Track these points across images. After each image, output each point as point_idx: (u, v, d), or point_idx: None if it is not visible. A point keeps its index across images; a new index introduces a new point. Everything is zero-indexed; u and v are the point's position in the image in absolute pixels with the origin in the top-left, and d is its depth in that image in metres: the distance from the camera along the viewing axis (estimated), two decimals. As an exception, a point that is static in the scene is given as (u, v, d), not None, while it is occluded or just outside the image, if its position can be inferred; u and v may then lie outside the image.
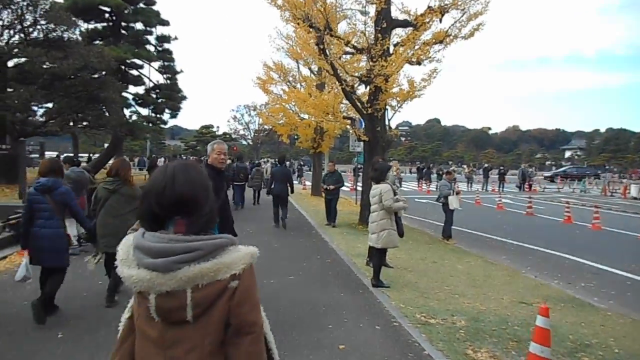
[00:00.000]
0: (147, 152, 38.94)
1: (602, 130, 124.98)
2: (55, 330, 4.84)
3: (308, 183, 28.85)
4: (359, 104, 13.13)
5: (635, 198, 26.67)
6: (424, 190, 29.67)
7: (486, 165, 34.03)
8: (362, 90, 14.63)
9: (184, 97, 23.30)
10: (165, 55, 20.15)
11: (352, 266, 8.66)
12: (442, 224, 12.18)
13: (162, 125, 33.28)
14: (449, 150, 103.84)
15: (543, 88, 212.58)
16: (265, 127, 70.30)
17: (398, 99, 13.18)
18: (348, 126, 18.70)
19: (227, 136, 66.82)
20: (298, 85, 21.61)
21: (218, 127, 64.19)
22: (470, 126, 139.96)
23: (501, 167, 33.15)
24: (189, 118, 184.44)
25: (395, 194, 7.18)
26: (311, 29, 11.59)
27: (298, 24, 11.67)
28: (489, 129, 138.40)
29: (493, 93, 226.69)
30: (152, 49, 20.32)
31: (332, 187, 13.11)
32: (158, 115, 25.56)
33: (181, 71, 22.39)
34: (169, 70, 20.87)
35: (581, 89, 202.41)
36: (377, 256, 7.40)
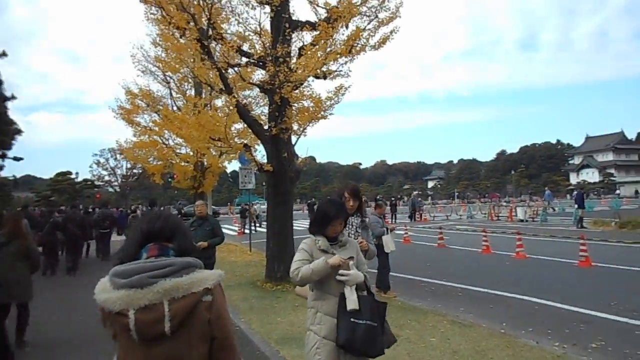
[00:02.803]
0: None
1: (455, 161, 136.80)
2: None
3: (188, 229, 24.63)
4: (257, 126, 10.08)
5: (521, 220, 26.72)
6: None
7: (378, 197, 32.78)
8: (258, 111, 11.61)
9: (18, 131, 18.01)
10: (-12, 76, 15.16)
11: (285, 365, 5.37)
12: (374, 271, 9.37)
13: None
14: (325, 185, 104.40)
15: (402, 125, 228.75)
16: (135, 171, 64.29)
17: (301, 121, 10.38)
18: (242, 156, 15.61)
19: (89, 183, 59.17)
20: (174, 108, 17.87)
21: (77, 173, 56.41)
22: (343, 162, 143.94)
23: (392, 198, 32.06)
24: (43, 166, 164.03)
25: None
26: (190, 23, 8.36)
27: (170, 17, 8.36)
28: (360, 164, 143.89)
29: (360, 130, 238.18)
30: None
31: (204, 244, 7.14)
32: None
33: (13, 97, 17.38)
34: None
35: (434, 125, 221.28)
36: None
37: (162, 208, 37.82)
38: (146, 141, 17.99)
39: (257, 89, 11.29)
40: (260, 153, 11.12)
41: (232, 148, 9.89)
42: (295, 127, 10.40)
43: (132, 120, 18.12)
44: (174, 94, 18.38)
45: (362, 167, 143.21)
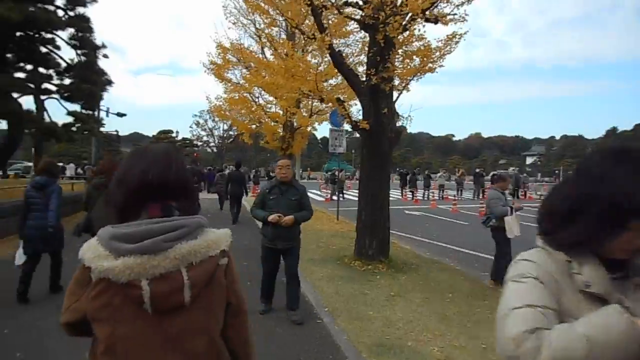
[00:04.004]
0: (92, 159, 33.03)
1: (557, 137, 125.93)
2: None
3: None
4: (352, 76, 8.39)
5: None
6: (409, 200, 25.09)
7: (477, 170, 29.82)
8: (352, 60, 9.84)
9: (109, 82, 17.61)
10: (80, 23, 14.66)
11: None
12: (459, 249, 7.65)
13: (101, 126, 27.73)
14: (416, 156, 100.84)
15: (501, 96, 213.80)
16: (231, 132, 65.83)
17: (405, 74, 8.52)
18: (333, 116, 14.07)
19: (187, 142, 61.40)
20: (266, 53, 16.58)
21: (177, 132, 58.65)
22: (435, 133, 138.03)
23: (494, 173, 28.97)
24: (149, 124, 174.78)
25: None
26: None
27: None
28: (453, 136, 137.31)
29: (455, 101, 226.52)
30: (60, 13, 14.84)
31: (287, 218, 5.10)
32: (90, 112, 20.12)
33: (103, 46, 16.56)
34: (84, 43, 15.45)
35: (536, 98, 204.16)
36: None
37: (253, 170, 37.77)
38: (236, 98, 17.08)
39: (354, 37, 9.57)
40: (356, 108, 9.41)
41: (324, 100, 8.25)
42: (396, 82, 8.60)
43: (222, 76, 17.25)
44: (265, 49, 17.11)
45: (455, 139, 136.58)
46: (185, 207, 1.40)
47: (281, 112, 16.89)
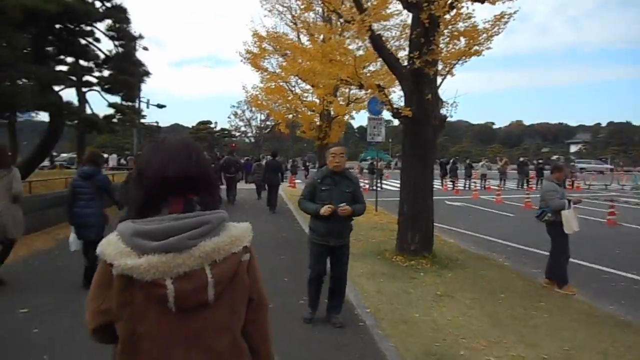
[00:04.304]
0: (134, 150, 33.63)
1: (604, 124, 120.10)
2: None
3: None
4: (393, 60, 7.89)
5: None
6: (450, 190, 24.27)
7: (521, 159, 28.50)
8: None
9: (146, 73, 17.56)
10: (117, 14, 14.55)
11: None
12: (507, 242, 7.13)
13: (142, 117, 28.09)
14: (454, 145, 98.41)
15: (544, 82, 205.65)
16: (268, 123, 66.05)
17: (448, 57, 7.97)
18: (372, 104, 13.57)
19: (226, 132, 61.94)
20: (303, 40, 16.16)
21: (216, 122, 59.25)
22: (474, 121, 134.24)
23: (539, 161, 27.66)
24: (189, 115, 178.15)
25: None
26: None
27: None
28: (493, 123, 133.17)
29: (494, 87, 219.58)
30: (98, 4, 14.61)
31: (344, 207, 4.54)
32: (130, 104, 20.26)
33: (140, 36, 16.41)
34: (121, 34, 15.41)
35: (580, 83, 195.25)
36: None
37: (289, 160, 37.63)
38: (272, 87, 16.81)
39: (393, 21, 9.02)
40: (396, 95, 8.89)
41: (363, 87, 7.75)
42: (439, 66, 8.05)
43: (259, 65, 17.02)
44: (302, 36, 16.71)
45: (495, 126, 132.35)
46: (207, 200, 1.36)
47: (318, 101, 16.49)
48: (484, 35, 7.82)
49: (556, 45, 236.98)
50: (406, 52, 9.07)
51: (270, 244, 8.76)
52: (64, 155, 41.51)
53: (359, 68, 7.73)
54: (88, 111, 19.05)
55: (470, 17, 7.13)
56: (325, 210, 4.48)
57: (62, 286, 5.92)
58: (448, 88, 45.76)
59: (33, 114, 16.43)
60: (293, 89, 17.43)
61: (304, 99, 17.21)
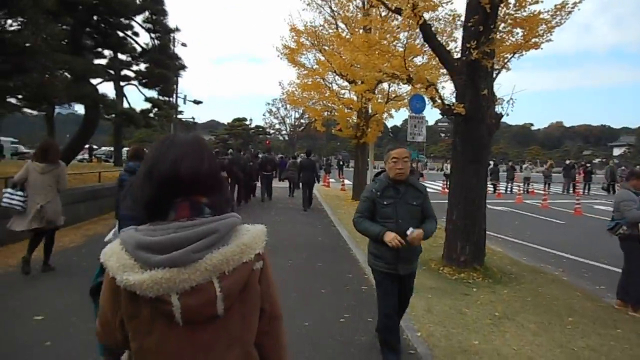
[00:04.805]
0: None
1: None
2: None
3: (347, 182, 22.88)
4: (445, 52, 7.15)
5: None
6: (491, 193, 23.13)
7: (568, 162, 26.93)
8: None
9: (182, 66, 17.11)
10: (154, 6, 14.13)
11: None
12: (561, 253, 6.49)
13: (179, 113, 28.14)
14: (492, 146, 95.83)
15: (585, 83, 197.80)
16: (302, 121, 65.75)
17: (502, 50, 7.20)
18: (414, 101, 12.84)
19: (260, 130, 61.98)
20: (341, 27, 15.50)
21: (251, 119, 59.35)
22: (512, 122, 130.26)
23: (587, 164, 26.13)
24: (224, 112, 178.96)
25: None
26: None
27: None
28: (532, 125, 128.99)
29: (533, 88, 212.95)
30: None
31: (416, 233, 3.54)
32: (166, 99, 20.13)
33: (176, 29, 15.85)
34: (158, 26, 15.06)
35: (625, 84, 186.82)
36: None
37: (323, 158, 37.03)
38: (309, 84, 16.23)
39: (442, 10, 8.21)
40: (446, 91, 8.10)
41: (411, 82, 6.98)
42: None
43: (295, 60, 16.46)
44: (340, 30, 16.00)
45: (533, 128, 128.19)
46: (217, 203, 1.26)
47: (355, 98, 15.79)
48: (543, 26, 7.04)
49: (599, 45, 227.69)
50: (454, 46, 8.32)
51: (306, 249, 8.17)
52: (105, 148, 42.24)
53: (408, 59, 6.99)
54: (125, 105, 19.01)
55: (537, 1, 6.32)
56: (393, 242, 3.43)
57: (85, 289, 5.43)
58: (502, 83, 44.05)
59: (74, 108, 16.49)
60: (330, 85, 16.79)
61: (341, 96, 16.56)
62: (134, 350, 1.20)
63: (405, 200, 3.65)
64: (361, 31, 9.47)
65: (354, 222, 3.78)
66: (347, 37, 12.63)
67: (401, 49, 7.06)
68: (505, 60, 7.48)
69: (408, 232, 3.50)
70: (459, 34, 7.94)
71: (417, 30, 6.88)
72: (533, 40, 7.11)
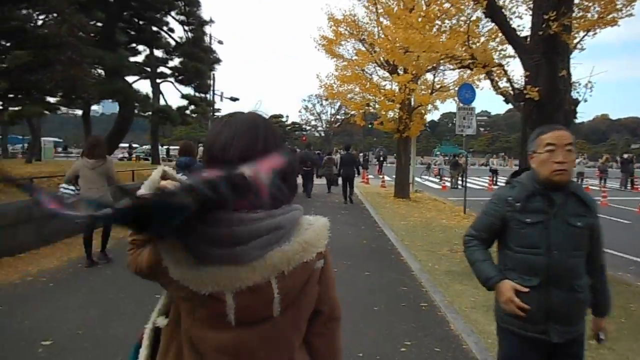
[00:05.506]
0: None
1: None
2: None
3: (388, 178, 21.86)
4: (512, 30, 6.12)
5: None
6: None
7: (626, 156, 24.86)
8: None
9: (217, 60, 16.41)
10: (187, -3, 13.71)
11: None
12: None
13: (217, 111, 27.83)
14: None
15: (633, 73, 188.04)
16: (338, 117, 64.99)
17: (581, 27, 6.15)
18: (463, 90, 11.82)
19: (297, 126, 61.61)
20: (381, 36, 14.58)
21: (287, 116, 59.14)
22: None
23: (627, 155, 24.08)
24: (261, 109, 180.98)
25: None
26: None
27: None
28: (575, 117, 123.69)
29: (577, 78, 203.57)
30: None
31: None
32: (203, 95, 19.67)
33: (211, 21, 14.79)
34: (191, 18, 14.41)
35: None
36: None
37: (361, 154, 36.05)
38: (348, 75, 15.35)
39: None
40: (516, 73, 6.96)
41: (474, 65, 5.91)
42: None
43: (334, 51, 15.64)
44: (381, 18, 15.01)
45: (577, 121, 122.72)
46: (279, 193, 1.06)
47: (397, 89, 14.78)
48: (620, 1, 6.01)
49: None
50: (519, 23, 7.27)
51: (351, 254, 7.27)
52: (145, 147, 42.59)
53: (473, 36, 5.93)
54: (162, 103, 18.66)
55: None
56: (508, 301, 2.11)
57: (103, 307, 4.76)
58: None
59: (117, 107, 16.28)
60: (370, 77, 15.86)
61: (382, 87, 15.58)
62: (184, 327, 1.11)
63: (563, 218, 2.15)
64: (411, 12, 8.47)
65: (465, 243, 2.45)
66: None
67: (467, 19, 6.03)
68: (578, 39, 6.43)
69: (601, 336, 2.29)
70: (521, 9, 6.90)
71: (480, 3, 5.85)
72: (612, 15, 6.05)
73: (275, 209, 1.07)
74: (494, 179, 24.46)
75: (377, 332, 4.27)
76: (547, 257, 2.11)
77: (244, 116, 1.17)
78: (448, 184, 22.51)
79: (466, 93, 12.47)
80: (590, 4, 6.18)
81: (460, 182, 22.50)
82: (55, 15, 9.01)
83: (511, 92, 6.31)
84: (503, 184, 2.46)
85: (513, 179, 2.36)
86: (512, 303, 2.07)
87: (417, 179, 20.51)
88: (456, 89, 13.47)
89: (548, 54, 5.53)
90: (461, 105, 12.36)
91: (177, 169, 5.78)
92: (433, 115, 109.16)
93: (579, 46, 6.48)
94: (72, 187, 6.13)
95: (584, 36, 6.41)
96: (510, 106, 6.85)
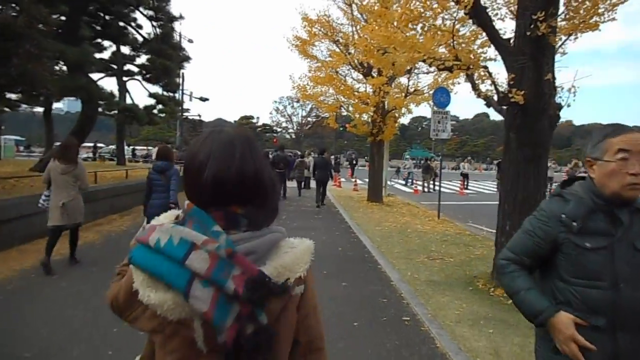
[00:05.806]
0: (176, 142, 32.62)
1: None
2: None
3: (360, 182, 21.64)
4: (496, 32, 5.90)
5: None
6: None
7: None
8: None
9: (186, 58, 15.83)
10: (155, -9, 13.05)
11: None
12: None
13: (185, 111, 27.06)
14: (500, 146, 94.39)
15: (591, 81, 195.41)
16: (309, 119, 64.61)
17: (565, 31, 6.01)
18: (438, 94, 11.69)
19: (267, 128, 61.04)
20: (355, 37, 14.35)
21: (258, 118, 58.58)
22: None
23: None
24: (231, 110, 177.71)
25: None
26: None
27: None
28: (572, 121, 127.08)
29: (560, 83, 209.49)
30: None
31: None
32: (171, 94, 18.98)
33: (180, 17, 14.28)
34: (160, 13, 13.77)
35: (634, 82, 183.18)
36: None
37: (332, 157, 35.78)
38: (322, 77, 15.03)
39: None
40: (499, 77, 6.73)
41: (459, 67, 5.62)
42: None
43: (307, 52, 15.28)
44: (359, 17, 14.75)
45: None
46: (257, 215, 1.05)
47: (372, 92, 14.55)
48: (608, 1, 5.88)
49: (609, 42, 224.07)
50: (501, 26, 7.06)
51: (326, 262, 6.91)
52: (111, 147, 41.16)
53: (457, 36, 5.66)
54: (128, 101, 17.89)
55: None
56: (568, 340, 1.67)
57: (90, 309, 4.37)
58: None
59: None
60: (344, 79, 15.59)
61: (356, 90, 15.33)
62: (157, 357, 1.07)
63: (629, 242, 1.70)
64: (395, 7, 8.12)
65: (499, 269, 1.94)
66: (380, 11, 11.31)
67: (453, 15, 5.77)
68: (560, 43, 6.28)
69: None
70: (502, 12, 6.71)
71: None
72: (594, 19, 5.94)
73: (252, 231, 1.02)
74: (465, 183, 24.61)
75: (360, 351, 3.92)
76: (613, 292, 1.67)
77: (221, 135, 1.10)
78: (420, 188, 22.46)
79: (441, 97, 12.34)
80: (581, 5, 6.06)
81: (432, 186, 22.51)
82: (13, 5, 8.41)
83: (494, 96, 6.10)
84: (551, 196, 1.90)
85: (564, 188, 1.86)
86: (573, 343, 1.64)
87: (389, 182, 20.37)
88: (430, 92, 13.35)
89: (535, 55, 5.31)
90: (436, 109, 12.22)
91: (154, 173, 6.20)
92: (403, 119, 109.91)
93: (560, 50, 6.35)
94: (46, 192, 6.13)
95: (565, 40, 6.28)
96: (478, 111, 6.80)
